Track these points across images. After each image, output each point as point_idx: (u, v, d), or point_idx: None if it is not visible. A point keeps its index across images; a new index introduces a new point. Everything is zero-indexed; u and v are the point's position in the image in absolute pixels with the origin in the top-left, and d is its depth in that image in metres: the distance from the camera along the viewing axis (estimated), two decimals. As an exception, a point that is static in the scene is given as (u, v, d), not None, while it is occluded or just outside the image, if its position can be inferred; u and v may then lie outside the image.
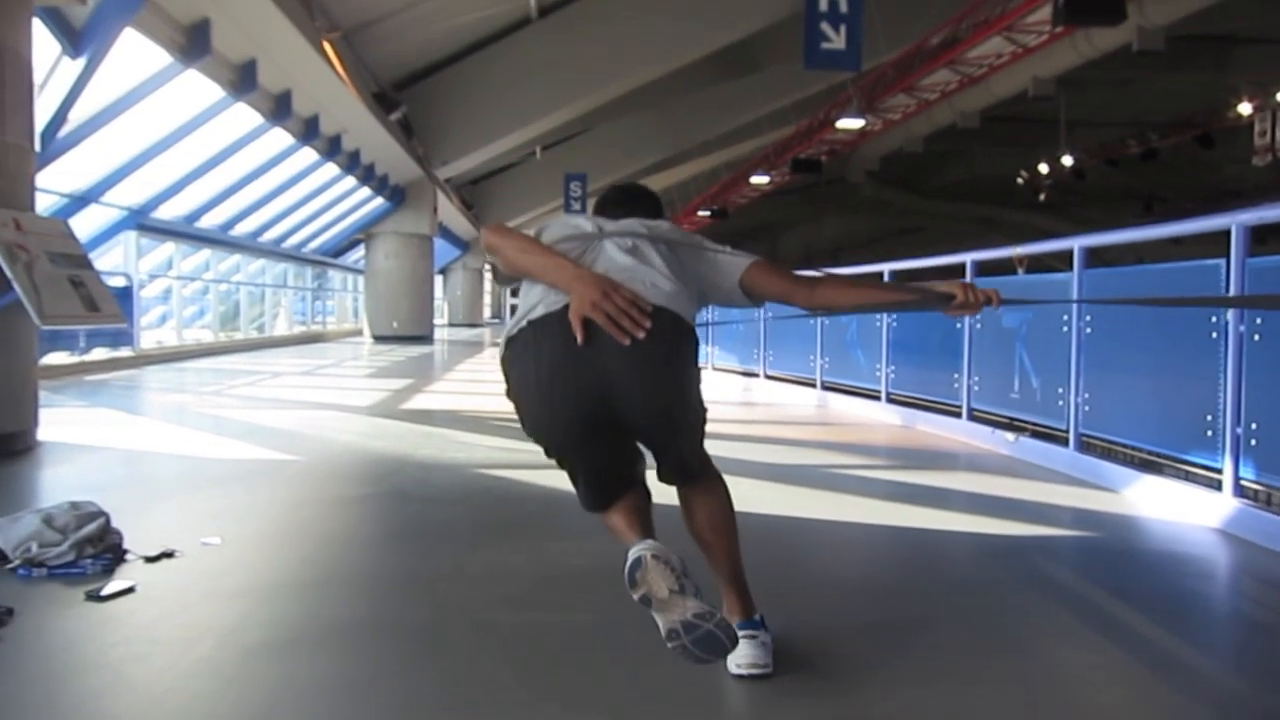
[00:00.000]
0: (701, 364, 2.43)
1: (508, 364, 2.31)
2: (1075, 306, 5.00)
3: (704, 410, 2.35)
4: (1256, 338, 3.78)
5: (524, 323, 2.26)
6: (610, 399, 2.17)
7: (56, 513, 3.28)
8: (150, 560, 3.21)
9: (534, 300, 2.28)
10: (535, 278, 2.30)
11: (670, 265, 2.32)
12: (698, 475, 2.40)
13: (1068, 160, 26.38)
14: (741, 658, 2.27)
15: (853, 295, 2.52)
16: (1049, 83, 18.22)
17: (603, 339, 2.14)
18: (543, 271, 2.26)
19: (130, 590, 2.90)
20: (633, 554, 2.09)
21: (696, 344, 2.32)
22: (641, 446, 2.37)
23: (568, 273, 2.21)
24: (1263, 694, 2.40)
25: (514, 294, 2.51)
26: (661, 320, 2.17)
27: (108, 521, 3.31)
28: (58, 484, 4.72)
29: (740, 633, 2.29)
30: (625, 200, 2.60)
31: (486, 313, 39.46)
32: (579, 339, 2.14)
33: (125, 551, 3.26)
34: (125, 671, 2.36)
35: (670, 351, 2.20)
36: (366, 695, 2.24)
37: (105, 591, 2.87)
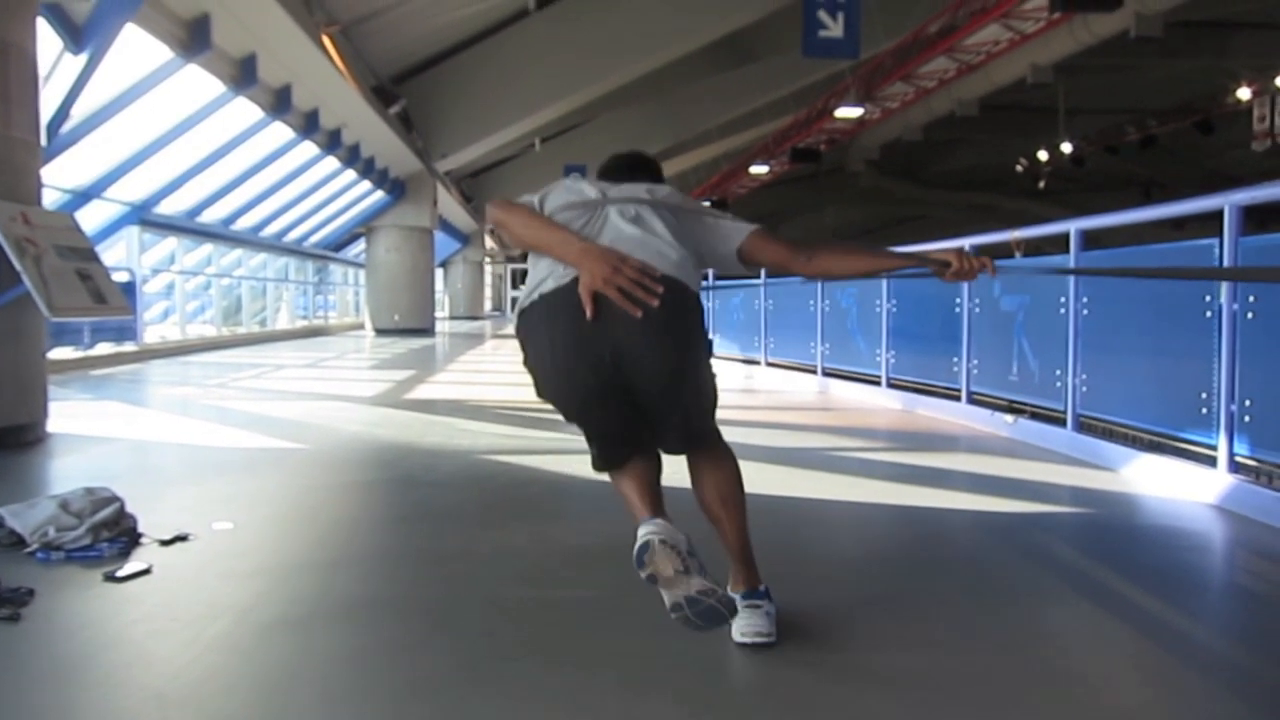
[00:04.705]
0: (709, 334, 2.48)
1: (523, 335, 2.38)
2: (1071, 289, 5.05)
3: (713, 379, 2.41)
4: (1250, 315, 3.83)
5: (535, 295, 2.32)
6: (622, 368, 2.24)
7: (72, 498, 3.34)
8: (165, 543, 3.27)
9: (543, 273, 2.33)
10: (542, 253, 2.36)
11: (674, 232, 2.36)
12: (702, 443, 2.45)
13: (1067, 148, 26.34)
14: (746, 626, 2.34)
15: (849, 261, 2.58)
16: (1047, 70, 18.23)
17: (612, 310, 2.20)
18: (549, 247, 2.32)
19: (147, 571, 2.97)
20: (641, 537, 2.17)
21: (702, 311, 2.38)
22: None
23: (574, 248, 2.26)
24: (1256, 659, 2.47)
25: (523, 258, 2.55)
26: (669, 288, 2.23)
27: (122, 506, 3.37)
28: (69, 473, 4.77)
29: (744, 603, 2.38)
30: (627, 167, 2.65)
31: (487, 305, 39.48)
32: (589, 314, 2.20)
33: (140, 535, 3.32)
34: (147, 647, 2.42)
35: (678, 319, 2.27)
36: (382, 667, 2.31)
37: (122, 573, 2.93)
